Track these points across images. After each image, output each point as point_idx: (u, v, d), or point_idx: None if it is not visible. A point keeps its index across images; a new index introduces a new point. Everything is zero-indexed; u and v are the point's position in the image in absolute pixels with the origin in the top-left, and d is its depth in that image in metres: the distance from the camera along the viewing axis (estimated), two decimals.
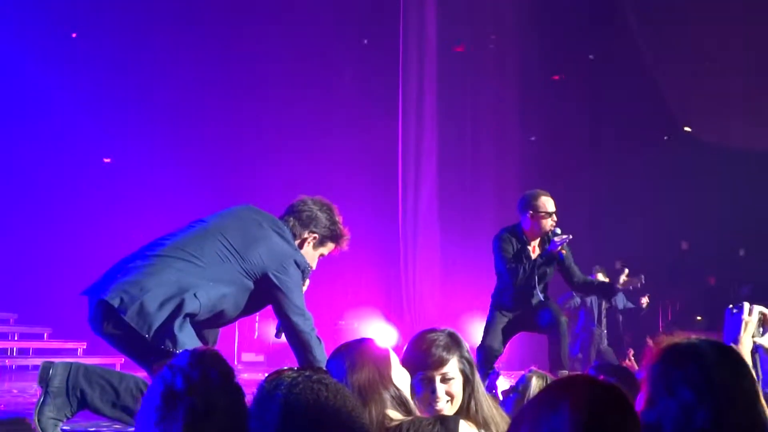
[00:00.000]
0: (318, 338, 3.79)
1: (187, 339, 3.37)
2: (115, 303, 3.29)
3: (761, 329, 2.36)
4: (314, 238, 3.89)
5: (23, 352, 9.17)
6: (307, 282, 3.95)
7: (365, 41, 11.31)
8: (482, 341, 5.74)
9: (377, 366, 2.15)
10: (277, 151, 10.76)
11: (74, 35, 10.24)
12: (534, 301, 5.77)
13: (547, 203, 5.77)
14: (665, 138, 11.06)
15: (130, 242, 4.22)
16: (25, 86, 9.97)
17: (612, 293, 6.61)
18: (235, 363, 10.01)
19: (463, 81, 11.36)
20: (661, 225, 11.51)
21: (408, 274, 10.92)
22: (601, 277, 9.33)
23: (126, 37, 10.37)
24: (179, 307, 3.38)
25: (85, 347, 9.11)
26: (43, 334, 9.59)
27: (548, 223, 5.77)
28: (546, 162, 10.74)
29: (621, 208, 10.71)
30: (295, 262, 3.73)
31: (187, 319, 3.44)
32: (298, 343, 3.76)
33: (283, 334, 3.83)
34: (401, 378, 2.20)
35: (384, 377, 2.14)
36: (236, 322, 9.72)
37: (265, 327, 10.61)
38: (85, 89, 10.18)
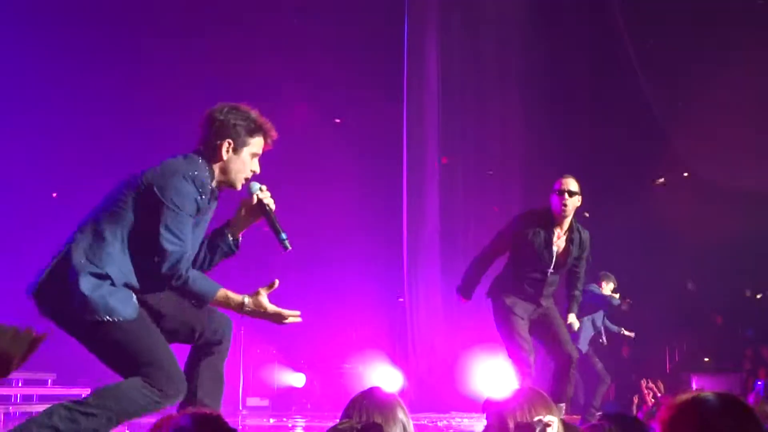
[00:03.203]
0: (189, 273, 3.40)
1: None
2: None
3: None
4: (229, 143, 3.47)
5: (27, 399, 9.12)
6: (212, 208, 3.57)
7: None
8: (512, 350, 5.58)
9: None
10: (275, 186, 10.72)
11: None
12: (546, 296, 5.69)
13: (570, 183, 5.74)
14: (668, 177, 11.05)
15: None
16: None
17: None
18: (240, 408, 9.94)
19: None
20: (667, 265, 11.47)
21: (413, 316, 10.88)
22: (606, 285, 9.26)
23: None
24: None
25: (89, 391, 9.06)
26: (47, 380, 9.54)
27: (574, 203, 5.69)
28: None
29: (626, 245, 10.68)
30: (189, 178, 3.35)
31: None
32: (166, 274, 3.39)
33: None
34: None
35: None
36: (241, 368, 9.76)
37: (270, 372, 10.56)
38: None
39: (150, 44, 10.32)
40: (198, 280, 3.42)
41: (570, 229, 5.76)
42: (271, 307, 3.56)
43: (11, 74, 9.85)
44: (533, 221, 5.71)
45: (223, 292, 3.46)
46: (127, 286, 3.36)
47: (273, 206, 3.61)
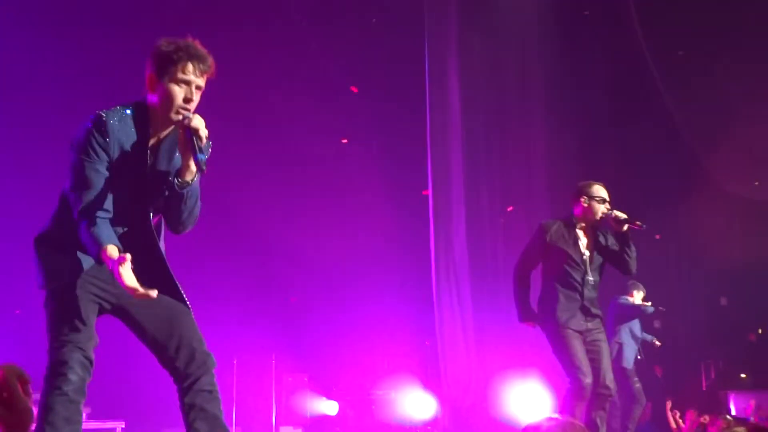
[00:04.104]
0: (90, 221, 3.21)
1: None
2: None
3: None
4: (150, 76, 3.31)
5: None
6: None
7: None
8: (570, 371, 5.51)
9: None
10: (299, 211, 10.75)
11: None
12: (589, 300, 5.64)
13: (601, 190, 5.75)
14: (698, 191, 10.96)
15: None
16: None
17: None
18: None
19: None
20: (700, 281, 11.37)
21: (444, 340, 10.82)
22: (636, 294, 9.18)
23: None
24: None
25: (123, 426, 9.09)
26: (116, 428, 9.52)
27: (602, 208, 5.72)
28: None
29: (658, 262, 10.60)
30: (90, 119, 3.24)
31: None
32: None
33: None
34: None
35: None
36: (273, 397, 9.74)
37: (302, 400, 10.53)
38: None
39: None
40: (101, 227, 3.21)
41: (594, 235, 5.78)
42: (131, 282, 3.13)
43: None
44: (558, 228, 5.73)
45: (111, 249, 3.16)
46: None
47: (201, 131, 3.27)
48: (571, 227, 5.74)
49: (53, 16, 9.17)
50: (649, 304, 9.14)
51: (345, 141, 11.18)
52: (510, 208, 11.25)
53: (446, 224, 11.02)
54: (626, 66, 11.23)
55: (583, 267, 5.66)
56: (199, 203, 3.45)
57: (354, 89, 11.24)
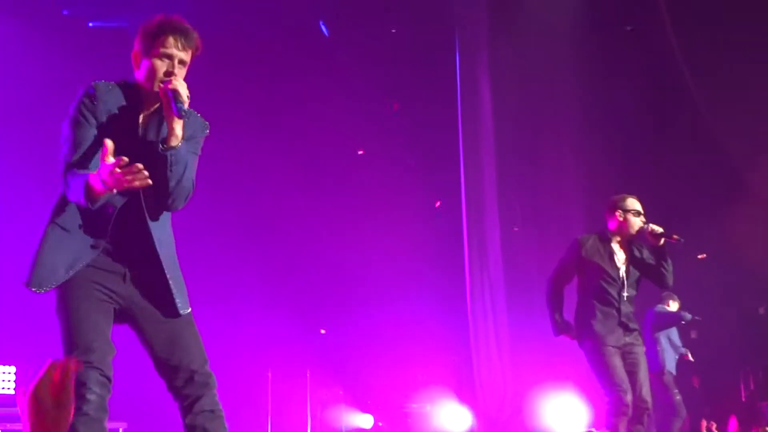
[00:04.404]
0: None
1: None
2: None
3: None
4: (134, 53, 3.33)
5: None
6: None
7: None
8: (610, 389, 5.46)
9: None
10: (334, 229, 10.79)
11: None
12: (626, 315, 5.60)
13: (635, 203, 5.72)
14: (735, 199, 10.84)
15: None
16: None
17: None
18: None
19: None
20: (738, 290, 11.22)
21: (479, 352, 10.79)
22: (672, 304, 9.09)
23: None
24: None
25: (125, 427, 9.11)
26: (119, 429, 9.62)
27: (638, 222, 5.69)
28: None
29: (695, 272, 10.49)
30: (82, 90, 3.25)
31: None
32: None
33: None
34: None
35: None
36: (308, 410, 9.76)
37: (337, 413, 10.54)
38: None
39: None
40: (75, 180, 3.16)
41: (630, 249, 5.75)
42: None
43: None
44: (594, 242, 5.70)
45: (91, 183, 3.08)
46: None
47: (182, 91, 3.20)
48: (606, 242, 5.70)
49: None
50: (688, 313, 9.07)
51: (361, 152, 11.19)
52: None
53: (480, 236, 11.00)
54: (661, 75, 11.13)
55: (619, 282, 5.62)
56: (190, 178, 3.35)
57: (395, 106, 11.28)
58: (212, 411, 3.35)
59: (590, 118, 11.23)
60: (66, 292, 3.20)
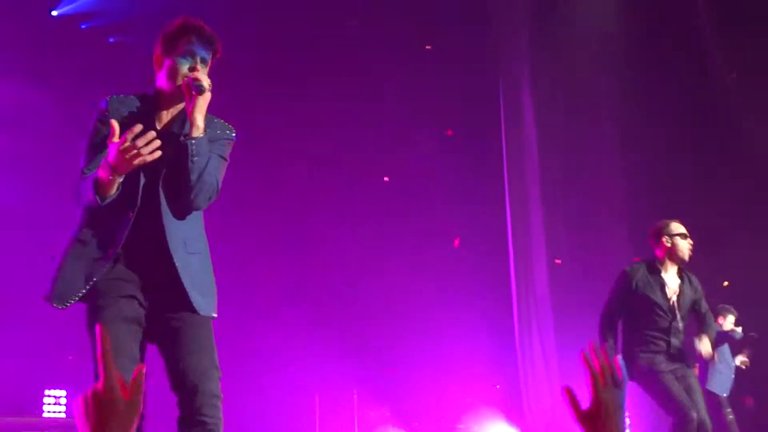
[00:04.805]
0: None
1: None
2: None
3: None
4: (156, 56, 3.35)
5: None
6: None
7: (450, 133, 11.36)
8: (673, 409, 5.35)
9: None
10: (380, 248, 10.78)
11: None
12: (675, 346, 5.48)
13: (680, 227, 5.63)
14: None
15: None
16: None
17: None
18: None
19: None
20: None
21: (527, 372, 10.68)
22: (725, 320, 8.90)
23: None
24: None
25: None
26: None
27: (686, 245, 5.58)
28: None
29: (745, 291, 10.28)
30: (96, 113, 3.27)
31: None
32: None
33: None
34: None
35: None
36: (355, 431, 9.73)
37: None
38: None
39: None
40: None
41: (680, 274, 5.64)
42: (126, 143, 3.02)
43: None
44: (643, 273, 5.59)
45: (98, 173, 3.09)
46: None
47: (203, 79, 3.22)
48: (656, 272, 5.58)
49: None
50: (739, 329, 8.86)
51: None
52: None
53: (526, 259, 10.94)
54: (704, 95, 10.97)
55: (670, 315, 5.52)
56: (213, 175, 3.26)
57: (449, 132, 11.28)
58: (206, 424, 3.14)
59: (633, 140, 11.13)
60: (92, 312, 3.17)
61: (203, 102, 3.20)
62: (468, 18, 10.98)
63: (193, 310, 3.20)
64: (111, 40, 9.48)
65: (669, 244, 5.61)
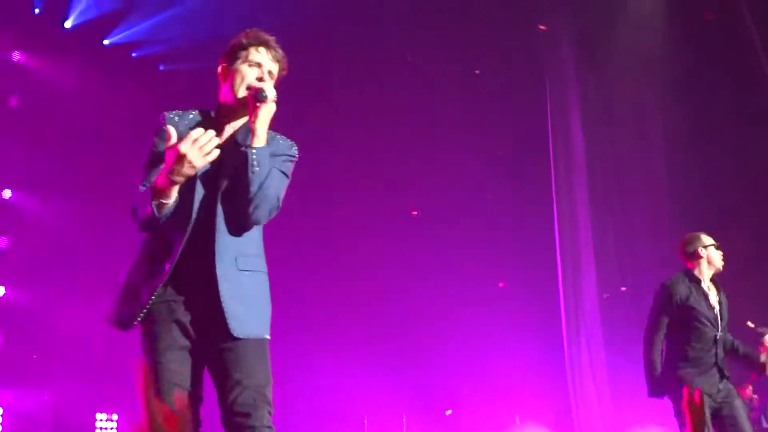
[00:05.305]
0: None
1: None
2: None
3: None
4: (222, 69, 3.27)
5: None
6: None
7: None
8: None
9: None
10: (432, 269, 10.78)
11: None
12: (721, 360, 5.40)
13: (708, 238, 5.63)
14: None
15: None
16: None
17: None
18: None
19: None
20: None
21: (576, 388, 10.58)
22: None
23: None
24: None
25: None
26: None
27: (720, 255, 5.59)
28: None
29: None
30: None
31: None
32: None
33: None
34: None
35: None
36: None
37: None
38: None
39: None
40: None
41: (714, 284, 5.60)
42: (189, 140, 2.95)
43: None
44: (685, 285, 5.52)
45: (154, 182, 3.00)
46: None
47: (268, 90, 3.10)
48: (696, 282, 5.53)
49: None
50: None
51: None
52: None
53: (575, 272, 10.89)
54: (754, 111, 10.83)
55: (715, 325, 5.44)
56: (274, 188, 3.12)
57: (498, 152, 11.29)
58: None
59: (679, 153, 11.04)
60: (146, 336, 3.08)
61: (267, 112, 3.08)
62: (515, 41, 11.03)
63: (230, 332, 3.01)
64: (161, 67, 9.64)
65: (704, 255, 5.57)
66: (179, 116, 3.16)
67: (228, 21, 9.17)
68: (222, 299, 3.00)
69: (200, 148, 2.90)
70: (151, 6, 9.23)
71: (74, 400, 9.01)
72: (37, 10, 8.90)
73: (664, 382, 5.44)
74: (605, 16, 11.30)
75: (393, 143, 10.75)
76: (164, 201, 2.96)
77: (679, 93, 10.97)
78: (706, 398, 5.29)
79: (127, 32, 9.24)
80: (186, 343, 3.05)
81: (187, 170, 2.93)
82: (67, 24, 9.03)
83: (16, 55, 8.90)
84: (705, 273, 5.57)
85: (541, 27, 10.98)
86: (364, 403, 9.98)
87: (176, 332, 3.05)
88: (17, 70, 9.03)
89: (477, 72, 11.14)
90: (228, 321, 3.00)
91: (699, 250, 5.56)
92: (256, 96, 3.05)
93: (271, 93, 3.08)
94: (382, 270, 10.57)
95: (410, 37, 10.83)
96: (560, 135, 11.20)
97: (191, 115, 3.20)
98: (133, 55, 9.47)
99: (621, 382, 10.25)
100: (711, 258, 5.55)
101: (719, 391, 5.35)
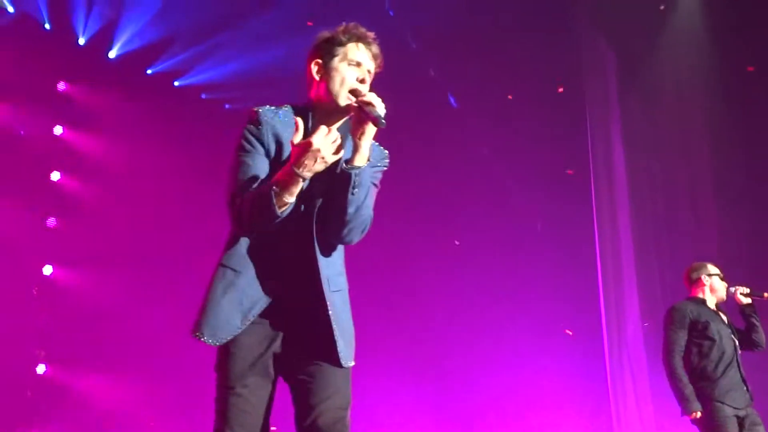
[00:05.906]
0: (239, 207, 2.85)
1: None
2: None
3: None
4: (317, 62, 3.00)
5: None
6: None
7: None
8: None
9: None
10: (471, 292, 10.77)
11: None
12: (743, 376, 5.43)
13: (714, 268, 5.78)
14: None
15: None
16: None
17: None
18: None
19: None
20: None
21: (617, 404, 10.56)
22: None
23: None
24: None
25: None
26: None
27: (724, 285, 5.79)
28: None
29: None
30: (245, 125, 2.96)
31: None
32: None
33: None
34: None
35: None
36: None
37: None
38: None
39: None
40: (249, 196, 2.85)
41: (723, 312, 5.69)
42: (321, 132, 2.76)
43: None
44: (695, 305, 5.62)
45: (277, 178, 2.80)
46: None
47: (377, 104, 2.86)
48: (704, 304, 5.66)
49: None
50: None
51: (457, 243, 11.13)
52: None
53: (618, 291, 10.90)
54: None
55: (733, 340, 5.55)
56: (370, 207, 2.96)
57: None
58: None
59: (724, 169, 10.97)
60: (225, 356, 2.89)
61: (373, 129, 2.86)
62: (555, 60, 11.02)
63: (338, 362, 2.88)
64: (203, 96, 9.75)
65: (707, 284, 5.67)
66: (274, 113, 2.97)
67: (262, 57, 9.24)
68: (333, 327, 2.86)
69: (332, 142, 2.73)
70: (192, 36, 9.35)
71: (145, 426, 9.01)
72: (81, 41, 9.04)
73: (695, 399, 5.46)
74: (645, 33, 11.26)
75: (430, 170, 10.76)
76: (287, 199, 2.77)
77: (725, 105, 10.91)
78: (731, 414, 5.36)
79: (169, 62, 9.37)
80: (266, 367, 2.89)
81: (318, 165, 2.74)
82: (111, 54, 9.16)
83: (61, 85, 9.03)
84: (708, 300, 5.69)
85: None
86: (398, 425, 10.01)
87: (258, 354, 2.88)
88: (62, 99, 9.16)
89: (510, 97, 11.14)
90: (338, 350, 2.87)
91: (702, 277, 5.76)
92: (375, 122, 2.80)
93: (383, 111, 2.84)
94: (427, 291, 10.62)
95: (445, 68, 10.87)
96: (601, 158, 11.16)
97: (284, 110, 3.01)
98: (176, 84, 9.58)
99: (664, 399, 10.22)
100: (714, 287, 5.73)
101: (747, 405, 5.45)
